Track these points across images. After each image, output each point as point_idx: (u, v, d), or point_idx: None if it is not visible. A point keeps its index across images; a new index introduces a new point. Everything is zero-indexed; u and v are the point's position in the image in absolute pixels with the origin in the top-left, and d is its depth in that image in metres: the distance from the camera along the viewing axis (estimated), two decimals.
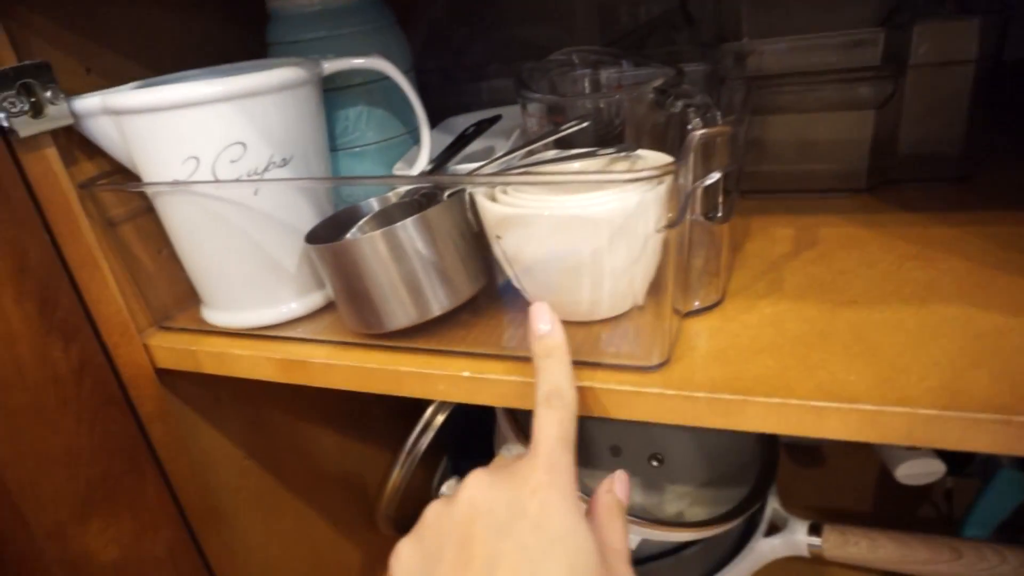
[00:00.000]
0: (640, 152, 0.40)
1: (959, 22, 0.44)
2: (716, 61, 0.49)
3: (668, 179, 0.33)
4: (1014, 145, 0.55)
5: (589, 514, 0.30)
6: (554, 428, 0.29)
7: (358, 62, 0.44)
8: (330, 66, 0.44)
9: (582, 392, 0.35)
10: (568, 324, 0.39)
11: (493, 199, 0.38)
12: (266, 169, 0.41)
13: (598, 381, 0.35)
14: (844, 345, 0.34)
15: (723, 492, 0.59)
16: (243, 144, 0.39)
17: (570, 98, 0.45)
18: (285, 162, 0.41)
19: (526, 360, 0.37)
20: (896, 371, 0.32)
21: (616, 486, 0.32)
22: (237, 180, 0.39)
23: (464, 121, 0.56)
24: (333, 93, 0.48)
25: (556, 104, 0.44)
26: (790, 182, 0.52)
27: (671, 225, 0.32)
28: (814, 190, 0.51)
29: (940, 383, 0.31)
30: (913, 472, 0.56)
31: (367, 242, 0.38)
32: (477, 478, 0.29)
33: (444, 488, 0.31)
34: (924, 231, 0.44)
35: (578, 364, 0.36)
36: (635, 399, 0.34)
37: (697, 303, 0.40)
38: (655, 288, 0.37)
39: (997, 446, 0.29)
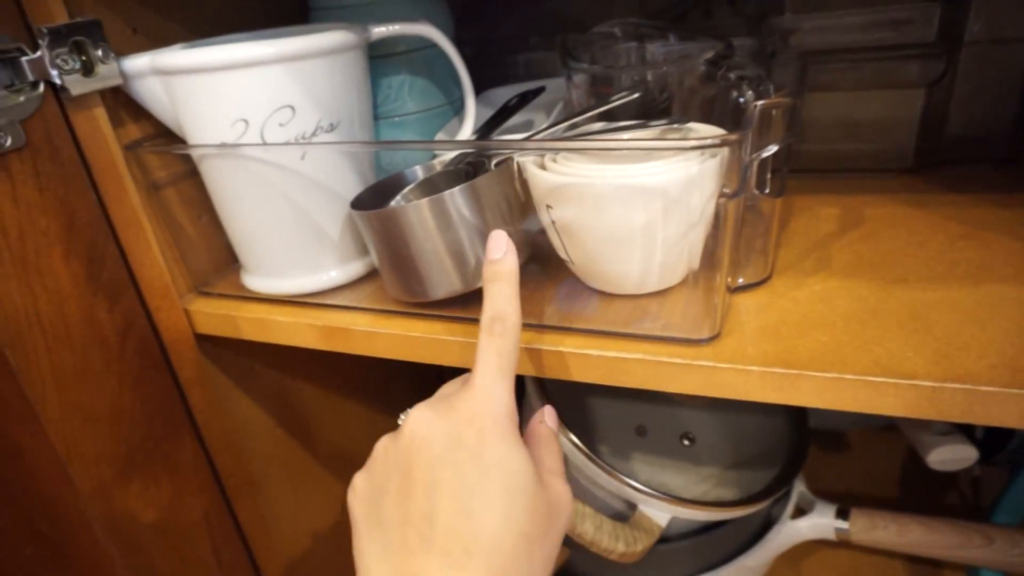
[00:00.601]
0: (691, 124, 0.40)
1: None
2: (764, 36, 0.48)
3: (724, 151, 0.33)
4: None
5: (525, 441, 0.31)
6: (492, 359, 0.31)
7: (406, 28, 0.44)
8: (378, 31, 0.43)
9: (632, 364, 0.35)
10: (617, 297, 0.39)
11: (543, 168, 0.37)
12: (314, 134, 0.40)
13: (648, 353, 0.34)
14: (899, 322, 0.34)
15: (752, 473, 0.59)
16: (292, 108, 0.39)
17: (618, 68, 0.44)
18: (332, 127, 0.41)
19: (571, 331, 0.37)
20: (954, 348, 0.32)
21: (547, 417, 0.35)
22: (286, 144, 0.39)
23: (504, 93, 0.55)
24: (375, 61, 0.47)
25: (603, 75, 0.44)
26: (834, 161, 0.51)
27: (734, 195, 0.32)
28: (859, 170, 0.51)
29: (1000, 361, 0.30)
30: (945, 458, 0.56)
31: (413, 209, 0.38)
32: (419, 413, 0.31)
33: (401, 417, 0.33)
34: (974, 212, 0.43)
35: (628, 336, 0.36)
36: (686, 372, 0.34)
37: (741, 280, 0.39)
38: (705, 261, 0.36)
39: None
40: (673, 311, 0.37)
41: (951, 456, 0.56)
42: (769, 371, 0.32)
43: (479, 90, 0.57)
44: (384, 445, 0.31)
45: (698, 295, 0.37)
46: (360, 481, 0.31)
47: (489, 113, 0.50)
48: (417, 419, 0.30)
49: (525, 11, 0.62)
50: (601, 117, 0.43)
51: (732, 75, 0.40)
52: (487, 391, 0.30)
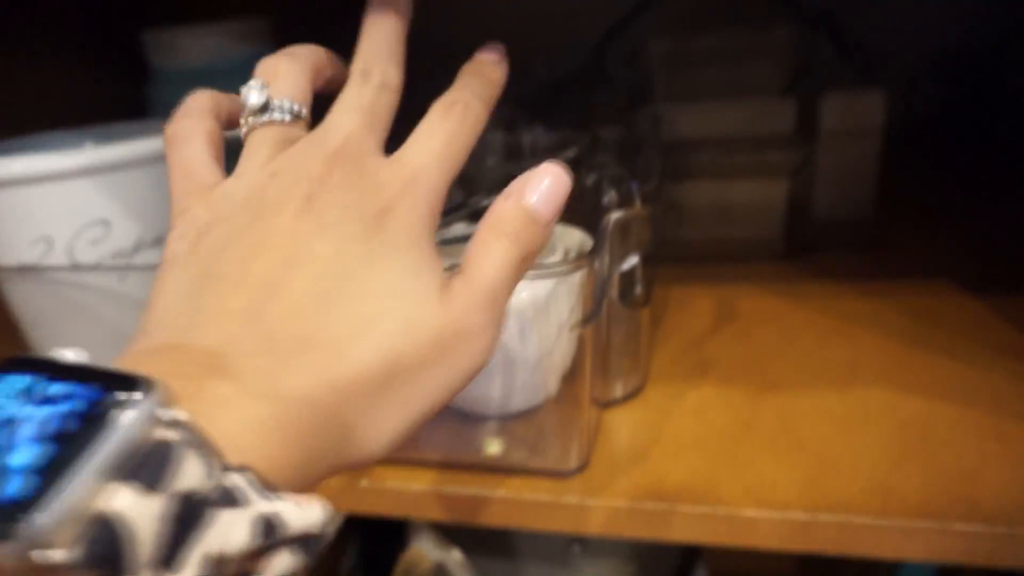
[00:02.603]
0: (556, 228, 0.38)
1: (866, 92, 0.44)
2: (632, 125, 0.48)
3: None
4: (923, 207, 0.56)
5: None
6: (440, 135, 0.21)
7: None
8: None
9: (494, 504, 0.31)
10: (479, 420, 0.36)
11: None
12: (135, 250, 0.36)
13: (513, 490, 0.31)
14: (771, 438, 0.32)
15: (650, 570, 0.56)
16: (106, 222, 0.35)
17: (478, 170, 0.42)
18: (159, 241, 0.37)
19: (427, 465, 0.33)
20: (825, 467, 0.30)
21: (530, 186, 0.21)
22: (96, 267, 0.34)
23: None
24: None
25: (466, 173, 0.41)
26: (708, 249, 0.51)
27: (586, 322, 0.29)
28: (732, 257, 0.50)
29: (870, 483, 0.29)
30: None
31: None
32: (300, 153, 0.21)
33: None
34: (842, 303, 0.43)
35: (491, 470, 0.33)
36: (552, 511, 0.31)
37: (619, 389, 0.37)
38: (572, 378, 0.34)
39: (933, 555, 0.27)
40: (540, 436, 0.34)
41: None
42: (639, 507, 0.30)
43: None
44: (236, 185, 0.20)
45: (565, 419, 0.35)
46: (189, 218, 0.21)
47: None
48: (300, 157, 0.20)
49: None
50: (467, 217, 0.41)
51: (592, 176, 0.39)
52: (418, 166, 0.21)
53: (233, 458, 0.15)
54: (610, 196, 0.39)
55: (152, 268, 0.36)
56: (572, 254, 0.36)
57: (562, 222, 0.39)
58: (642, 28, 0.60)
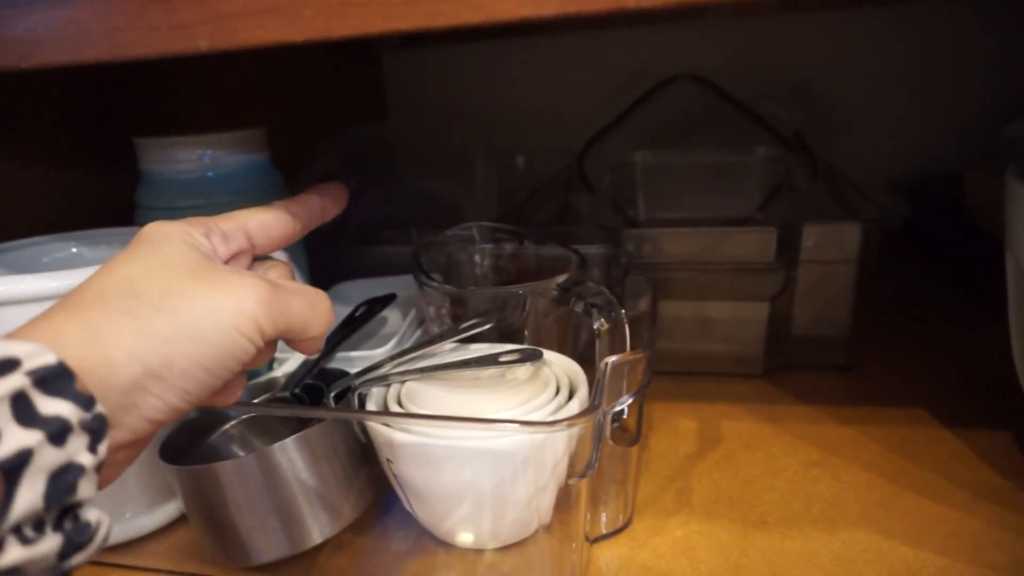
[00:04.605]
0: (546, 356, 0.38)
1: (843, 225, 0.46)
2: (617, 244, 0.49)
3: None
4: (895, 330, 0.58)
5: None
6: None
7: None
8: None
9: None
10: (466, 552, 0.35)
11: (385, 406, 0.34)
12: None
13: None
14: None
15: None
16: None
17: (471, 290, 0.42)
18: None
19: None
20: None
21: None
22: None
23: (355, 289, 0.52)
24: None
25: (456, 295, 0.41)
26: (689, 362, 0.51)
27: (583, 475, 0.29)
28: (712, 370, 0.51)
29: None
30: None
31: (236, 468, 0.32)
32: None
33: None
34: (823, 429, 0.44)
35: None
36: None
37: (607, 522, 0.37)
38: (564, 508, 0.33)
39: None
40: (529, 569, 0.34)
41: None
42: None
43: (331, 283, 0.54)
44: None
45: (556, 550, 0.34)
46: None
47: (338, 310, 0.46)
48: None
49: (383, 194, 0.61)
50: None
51: (581, 304, 0.39)
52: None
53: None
54: (599, 324, 0.40)
55: None
56: (564, 387, 0.36)
57: (554, 351, 0.39)
58: (624, 141, 0.62)
